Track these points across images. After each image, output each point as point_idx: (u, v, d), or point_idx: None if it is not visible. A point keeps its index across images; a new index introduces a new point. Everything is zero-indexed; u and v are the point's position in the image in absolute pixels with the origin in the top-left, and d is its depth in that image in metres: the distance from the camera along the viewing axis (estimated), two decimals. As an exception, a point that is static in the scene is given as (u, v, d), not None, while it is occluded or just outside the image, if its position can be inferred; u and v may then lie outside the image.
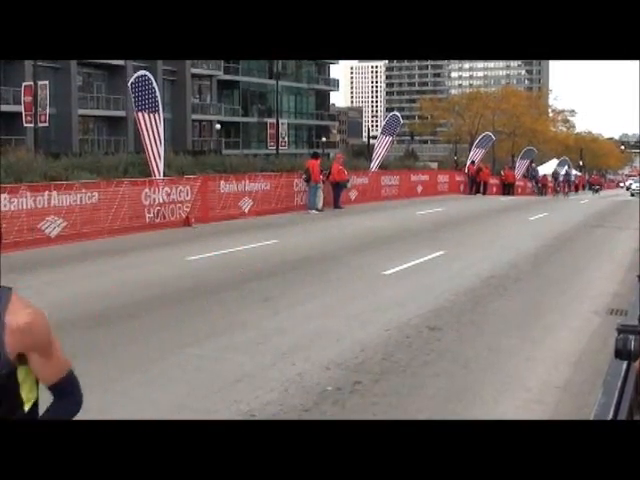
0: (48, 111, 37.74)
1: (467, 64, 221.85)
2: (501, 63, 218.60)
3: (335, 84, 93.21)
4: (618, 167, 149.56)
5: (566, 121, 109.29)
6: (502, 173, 49.19)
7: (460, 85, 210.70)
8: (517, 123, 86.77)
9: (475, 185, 42.02)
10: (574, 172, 73.44)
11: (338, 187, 27.78)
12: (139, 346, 8.39)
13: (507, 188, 46.45)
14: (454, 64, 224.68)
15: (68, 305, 10.42)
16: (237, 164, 28.61)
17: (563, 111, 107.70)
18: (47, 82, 38.51)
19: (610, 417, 2.35)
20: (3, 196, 15.71)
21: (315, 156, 28.04)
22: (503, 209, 29.70)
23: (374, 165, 34.17)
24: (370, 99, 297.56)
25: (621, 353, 2.94)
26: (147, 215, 19.86)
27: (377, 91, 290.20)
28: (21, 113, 38.52)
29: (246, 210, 23.92)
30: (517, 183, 50.02)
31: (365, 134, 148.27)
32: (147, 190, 19.94)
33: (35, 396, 2.66)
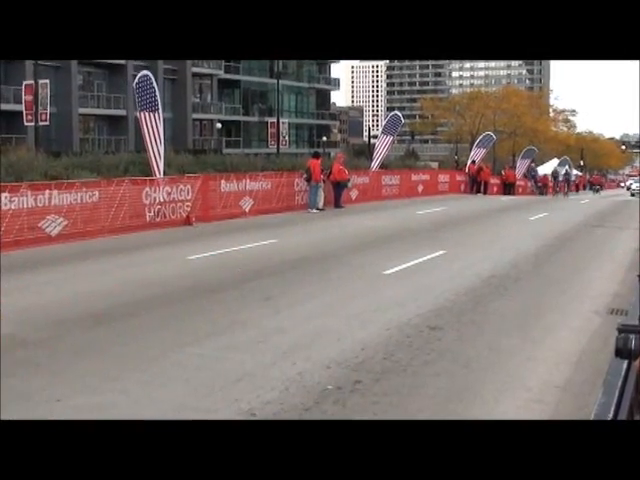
0: (49, 110, 37.81)
1: (468, 64, 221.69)
2: (502, 63, 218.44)
3: (336, 83, 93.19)
4: (619, 167, 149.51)
5: (567, 121, 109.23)
6: (503, 173, 49.18)
7: (461, 85, 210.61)
8: (518, 123, 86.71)
9: (476, 185, 42.02)
10: (575, 172, 73.45)
11: (339, 186, 27.78)
12: (139, 345, 8.39)
13: (508, 188, 46.44)
14: (455, 64, 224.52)
15: (68, 304, 10.42)
16: (238, 163, 28.61)
17: (564, 111, 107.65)
18: (48, 81, 38.57)
19: (610, 416, 2.35)
20: (4, 195, 15.71)
21: (316, 155, 28.03)
22: (503, 209, 29.70)
23: (375, 164, 34.16)
24: (371, 98, 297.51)
25: (621, 352, 2.95)
26: (148, 214, 19.86)
27: (378, 90, 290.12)
28: (22, 112, 38.58)
29: (247, 209, 23.92)
30: (518, 183, 50.01)
31: (366, 133, 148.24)
32: (148, 189, 19.94)
33: None
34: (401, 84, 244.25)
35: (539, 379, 7.44)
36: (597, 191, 69.82)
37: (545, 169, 63.59)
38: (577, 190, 69.05)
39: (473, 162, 43.45)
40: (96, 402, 6.52)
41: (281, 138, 58.40)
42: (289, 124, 68.73)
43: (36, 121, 35.33)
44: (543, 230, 20.97)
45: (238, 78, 75.17)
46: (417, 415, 6.29)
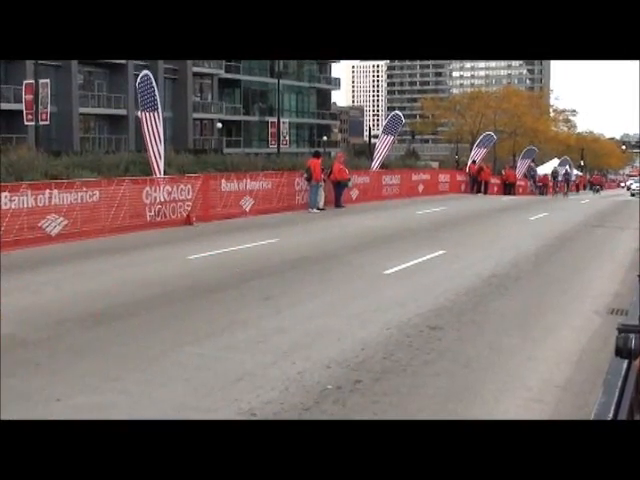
0: (49, 109, 37.80)
1: (468, 64, 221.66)
2: (502, 63, 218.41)
3: (336, 83, 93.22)
4: (619, 167, 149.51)
5: (567, 121, 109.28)
6: (503, 173, 49.20)
7: (461, 84, 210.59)
8: (518, 123, 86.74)
9: (476, 185, 42.02)
10: (575, 172, 73.43)
11: (339, 186, 27.78)
12: (139, 345, 8.39)
13: (508, 188, 46.45)
14: (455, 63, 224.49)
15: (68, 303, 10.43)
16: (238, 163, 28.60)
17: (564, 111, 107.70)
18: (48, 80, 38.56)
19: (611, 416, 2.35)
20: (4, 194, 15.71)
21: (316, 155, 28.02)
22: (504, 209, 29.70)
23: (375, 164, 34.16)
24: (371, 98, 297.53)
25: (622, 352, 2.95)
26: (148, 214, 19.85)
27: (378, 90, 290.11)
28: (22, 111, 38.58)
29: (247, 209, 23.92)
30: (518, 183, 50.02)
31: (366, 133, 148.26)
32: (148, 189, 19.94)
33: None
34: (402, 84, 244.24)
35: (539, 378, 7.45)
36: (597, 191, 69.84)
37: (545, 169, 63.60)
38: (577, 190, 69.07)
39: (473, 162, 43.45)
40: (96, 402, 6.52)
41: (282, 138, 58.41)
42: (290, 124, 68.75)
43: (36, 120, 35.32)
44: (543, 230, 20.97)
45: (239, 78, 75.19)
46: (417, 415, 6.29)
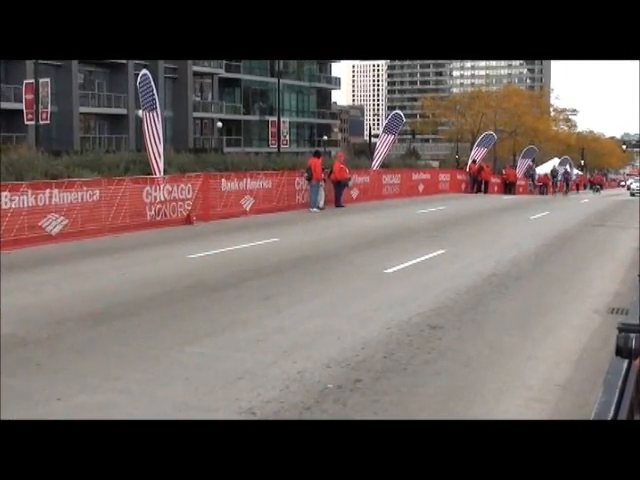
0: (49, 109, 37.81)
1: (469, 63, 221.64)
2: (503, 62, 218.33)
3: (337, 82, 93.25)
4: (620, 166, 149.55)
5: (568, 120, 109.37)
6: (503, 172, 49.23)
7: (462, 84, 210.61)
8: (519, 122, 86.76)
9: (476, 184, 42.03)
10: (575, 171, 73.44)
11: (339, 186, 27.79)
12: (140, 344, 8.39)
13: (508, 187, 46.50)
14: (456, 63, 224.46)
15: (69, 303, 10.43)
16: (238, 162, 28.60)
17: (565, 110, 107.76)
18: (48, 80, 38.59)
19: (611, 415, 2.35)
20: (4, 194, 15.72)
21: (317, 154, 28.02)
22: (504, 208, 29.69)
23: (375, 164, 34.16)
24: (372, 97, 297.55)
25: (622, 351, 2.95)
26: (148, 213, 19.86)
27: (379, 89, 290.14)
28: (22, 111, 38.60)
29: (247, 208, 23.92)
30: (518, 182, 50.03)
31: (366, 132, 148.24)
32: (148, 188, 19.94)
33: None
34: (402, 83, 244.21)
35: (540, 378, 7.45)
36: (597, 190, 69.83)
37: (545, 168, 63.60)
38: (577, 189, 69.08)
39: (474, 161, 43.46)
40: (96, 401, 6.53)
41: (282, 137, 58.42)
42: (290, 123, 68.76)
43: (37, 120, 35.33)
44: (544, 229, 20.97)
45: (239, 77, 75.20)
46: (417, 414, 6.29)
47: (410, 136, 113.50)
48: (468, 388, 7.07)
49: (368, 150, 61.44)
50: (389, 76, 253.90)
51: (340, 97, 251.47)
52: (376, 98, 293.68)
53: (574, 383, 7.27)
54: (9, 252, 14.75)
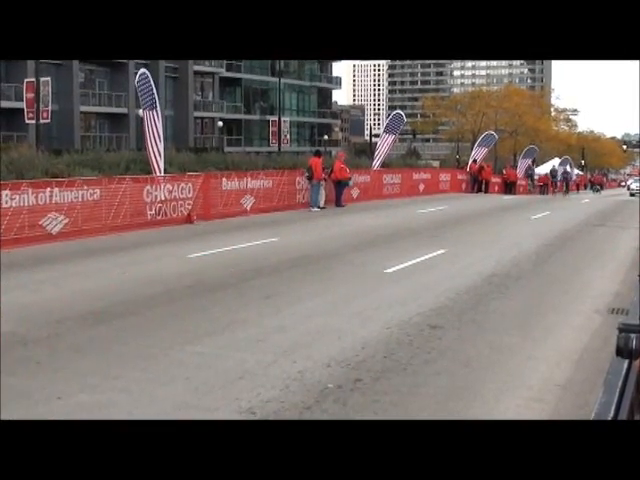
0: (50, 107, 37.78)
1: (470, 63, 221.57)
2: (503, 62, 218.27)
3: (337, 82, 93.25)
4: (620, 166, 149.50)
5: (568, 120, 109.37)
6: (504, 172, 49.24)
7: (462, 84, 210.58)
8: (519, 122, 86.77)
9: (477, 184, 42.03)
10: (576, 171, 73.42)
11: (340, 185, 27.79)
12: (140, 343, 8.39)
13: (509, 187, 46.51)
14: (457, 63, 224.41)
15: (69, 302, 10.43)
16: (239, 162, 28.62)
17: (565, 110, 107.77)
18: (49, 79, 38.55)
19: (611, 416, 2.35)
20: (5, 193, 15.72)
21: (317, 154, 28.02)
22: (505, 208, 29.69)
23: (376, 163, 34.17)
24: (372, 97, 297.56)
25: (622, 351, 2.95)
26: (149, 212, 19.86)
27: (379, 89, 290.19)
28: (23, 109, 38.57)
29: (248, 208, 23.93)
30: (519, 182, 50.03)
31: (367, 132, 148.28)
32: (149, 187, 19.95)
33: None
34: (403, 83, 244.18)
35: (540, 378, 7.45)
36: (598, 190, 69.82)
37: (546, 168, 63.61)
38: (578, 189, 69.07)
39: (474, 161, 43.46)
40: (96, 400, 6.53)
41: (282, 136, 58.41)
42: (290, 122, 68.77)
43: (37, 119, 35.30)
44: (544, 229, 20.96)
45: (240, 76, 75.20)
46: (417, 414, 6.29)
47: (411, 136, 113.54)
48: (468, 388, 7.07)
49: (369, 150, 61.48)
50: (390, 76, 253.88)
51: (341, 97, 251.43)
52: (377, 98, 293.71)
53: (574, 383, 7.27)
54: (9, 251, 14.75)
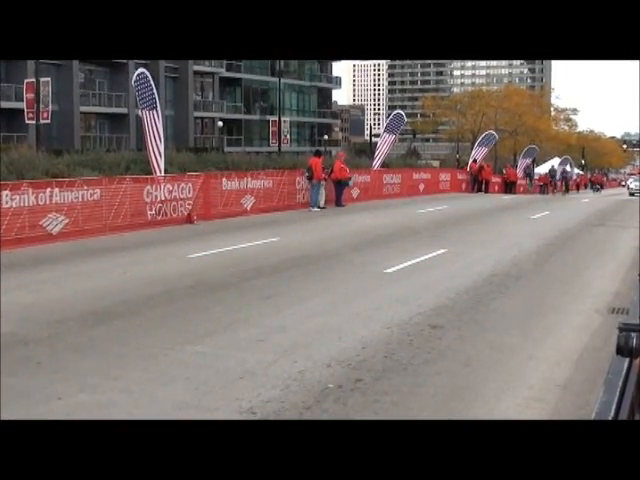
0: (50, 108, 37.77)
1: (469, 63, 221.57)
2: (503, 62, 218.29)
3: (337, 82, 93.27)
4: (620, 166, 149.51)
5: (568, 120, 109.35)
6: (504, 172, 49.25)
7: (462, 83, 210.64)
8: (519, 122, 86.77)
9: (477, 183, 42.04)
10: (576, 171, 73.42)
11: (340, 185, 27.79)
12: (140, 343, 8.39)
13: (509, 187, 46.53)
14: (457, 62, 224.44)
15: (69, 302, 10.43)
16: (239, 161, 28.63)
17: (565, 110, 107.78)
18: (49, 79, 38.54)
19: (611, 415, 2.35)
20: (5, 193, 15.72)
21: (317, 154, 28.02)
22: (505, 208, 29.70)
23: (376, 163, 34.18)
24: (372, 97, 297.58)
25: (622, 351, 2.95)
26: (149, 212, 19.87)
27: (379, 89, 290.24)
28: (23, 110, 38.56)
29: (248, 207, 23.93)
30: (519, 182, 50.04)
31: (367, 132, 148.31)
32: (149, 187, 19.95)
33: None
34: (402, 82, 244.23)
35: (540, 377, 7.45)
36: (597, 190, 69.82)
37: (546, 168, 63.63)
38: (578, 189, 69.08)
39: (474, 161, 43.46)
40: (97, 400, 6.53)
41: (282, 136, 58.41)
42: (290, 122, 68.76)
43: (37, 119, 35.30)
44: (544, 229, 20.96)
45: (240, 76, 75.21)
46: (418, 414, 6.29)
47: (411, 136, 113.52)
48: (469, 388, 7.07)
49: (369, 149, 61.48)
50: (390, 75, 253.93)
51: (341, 96, 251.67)
52: (377, 98, 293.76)
53: (575, 383, 7.27)
54: (10, 251, 14.75)
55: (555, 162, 66.45)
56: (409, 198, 33.28)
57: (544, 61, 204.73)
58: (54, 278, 12.32)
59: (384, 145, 34.71)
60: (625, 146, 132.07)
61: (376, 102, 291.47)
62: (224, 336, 8.76)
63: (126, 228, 18.67)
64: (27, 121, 38.33)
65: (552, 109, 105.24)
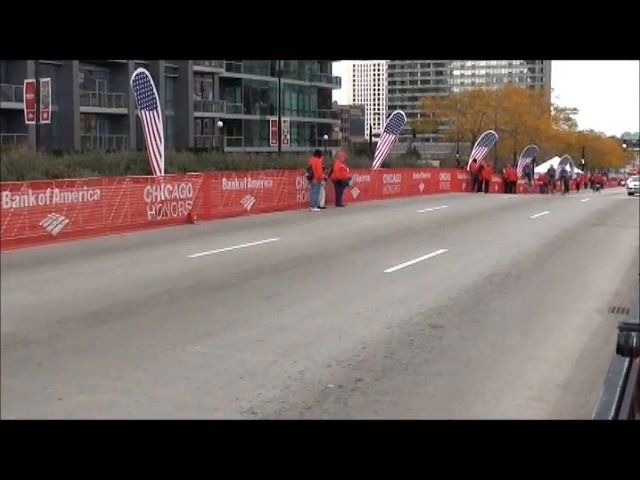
0: (50, 108, 37.76)
1: (469, 62, 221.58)
2: (503, 61, 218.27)
3: (337, 82, 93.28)
4: (620, 165, 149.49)
5: (568, 119, 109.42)
6: (504, 171, 49.26)
7: (462, 83, 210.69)
8: (519, 121, 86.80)
9: (477, 183, 42.04)
10: (576, 170, 73.42)
11: (340, 185, 27.80)
12: (140, 343, 8.39)
13: (509, 186, 46.54)
14: (456, 62, 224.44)
15: (70, 302, 10.43)
16: (239, 162, 28.62)
17: (565, 109, 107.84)
18: (49, 79, 38.53)
19: (612, 415, 2.35)
20: (5, 193, 15.73)
21: (317, 154, 28.02)
22: (505, 207, 29.70)
23: (376, 163, 34.17)
24: (372, 97, 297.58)
25: (623, 350, 2.95)
26: (149, 212, 19.87)
27: (379, 89, 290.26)
28: (23, 110, 38.55)
29: (248, 207, 23.93)
30: (519, 181, 50.04)
31: (367, 132, 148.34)
32: (149, 187, 19.95)
33: None
34: (402, 82, 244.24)
35: (540, 377, 7.45)
36: (597, 189, 69.84)
37: (545, 168, 63.66)
38: (578, 188, 69.10)
39: (474, 161, 43.46)
40: (97, 401, 6.53)
41: (282, 136, 58.42)
42: (290, 122, 68.77)
43: (37, 119, 35.29)
44: (544, 228, 20.96)
45: (239, 76, 75.21)
46: (418, 414, 6.29)
47: (411, 135, 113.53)
48: (469, 388, 7.07)
49: (369, 149, 61.48)
50: (390, 75, 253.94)
51: (341, 96, 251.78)
52: (377, 97, 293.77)
53: (575, 382, 7.27)
54: (10, 252, 14.76)
55: (555, 162, 66.46)
56: (409, 198, 33.28)
57: (544, 61, 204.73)
58: (54, 278, 12.32)
59: (384, 145, 34.71)
60: (625, 145, 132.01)
61: (376, 102, 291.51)
62: (224, 336, 8.76)
63: (126, 228, 18.67)
64: (27, 121, 38.33)
65: (552, 109, 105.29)
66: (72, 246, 16.22)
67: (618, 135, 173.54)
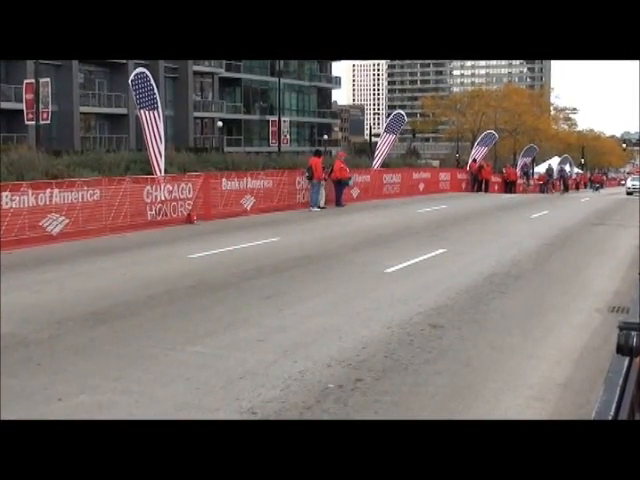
0: (50, 108, 37.79)
1: (469, 62, 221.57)
2: (503, 61, 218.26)
3: (337, 82, 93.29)
4: (620, 165, 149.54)
5: (568, 119, 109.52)
6: (504, 171, 49.27)
7: (462, 83, 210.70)
8: (519, 121, 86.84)
9: (477, 183, 42.05)
10: (576, 170, 73.43)
11: (340, 185, 27.80)
12: (140, 344, 8.39)
13: (509, 186, 46.54)
14: (456, 62, 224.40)
15: (70, 303, 10.43)
16: (239, 161, 28.61)
17: (565, 109, 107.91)
18: (49, 79, 38.56)
19: (612, 414, 2.35)
20: (5, 194, 15.72)
21: (317, 154, 28.03)
22: (504, 207, 29.69)
23: (376, 163, 34.17)
24: (372, 97, 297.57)
25: (623, 349, 2.95)
26: (149, 212, 19.87)
27: (379, 89, 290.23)
28: (23, 110, 38.58)
29: (248, 207, 23.93)
30: (518, 181, 50.05)
31: (367, 132, 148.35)
32: (149, 187, 19.95)
33: None
34: (402, 82, 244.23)
35: (540, 377, 7.45)
36: (597, 189, 69.85)
37: (544, 167, 63.68)
38: (577, 188, 69.11)
39: (474, 160, 43.47)
40: (97, 401, 6.53)
41: (282, 136, 58.48)
42: (290, 122, 68.84)
43: (37, 120, 35.30)
44: (544, 228, 20.96)
45: (239, 76, 75.21)
46: (418, 413, 6.29)
47: (410, 135, 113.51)
48: (469, 387, 7.07)
49: (369, 149, 61.49)
50: (389, 75, 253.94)
51: (340, 96, 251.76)
52: (376, 97, 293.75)
53: (575, 382, 7.27)
54: (10, 252, 14.76)
55: (555, 161, 66.47)
56: (409, 198, 33.29)
57: (544, 61, 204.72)
58: (54, 279, 12.32)
59: (384, 145, 34.71)
60: (625, 145, 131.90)
61: (376, 102, 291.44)
62: (224, 336, 8.76)
63: (126, 228, 18.67)
64: (27, 122, 38.36)
65: (552, 108, 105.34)
66: (72, 246, 16.22)
67: (618, 135, 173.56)
